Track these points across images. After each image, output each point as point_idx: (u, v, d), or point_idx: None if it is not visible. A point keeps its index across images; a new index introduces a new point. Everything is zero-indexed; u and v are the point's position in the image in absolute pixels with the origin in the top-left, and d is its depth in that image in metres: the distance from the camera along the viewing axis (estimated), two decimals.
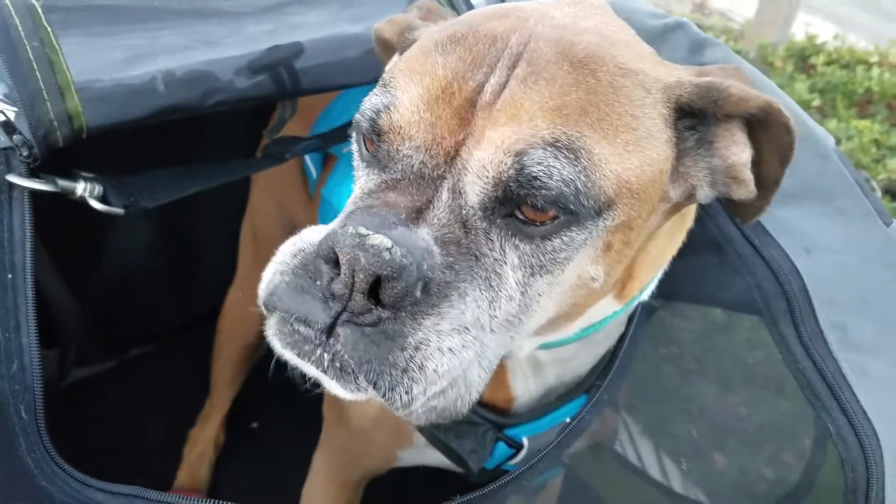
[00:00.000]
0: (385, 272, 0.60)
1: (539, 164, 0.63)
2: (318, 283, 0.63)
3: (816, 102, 3.31)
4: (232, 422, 1.88)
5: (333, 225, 0.68)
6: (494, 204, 0.67)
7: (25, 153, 0.83)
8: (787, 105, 0.94)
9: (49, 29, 0.85)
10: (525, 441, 1.04)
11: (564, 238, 0.68)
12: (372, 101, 0.72)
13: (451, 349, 0.64)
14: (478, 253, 0.67)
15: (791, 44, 3.85)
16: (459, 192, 0.67)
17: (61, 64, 0.84)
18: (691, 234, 0.96)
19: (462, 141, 0.67)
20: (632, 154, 0.68)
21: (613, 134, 0.67)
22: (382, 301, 0.62)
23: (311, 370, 0.67)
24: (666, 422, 1.34)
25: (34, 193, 0.85)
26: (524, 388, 1.02)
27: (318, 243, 0.63)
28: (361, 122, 0.72)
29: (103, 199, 0.93)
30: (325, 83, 1.01)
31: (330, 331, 0.63)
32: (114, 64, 0.87)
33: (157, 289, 1.86)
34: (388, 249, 0.60)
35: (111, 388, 1.88)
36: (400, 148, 0.69)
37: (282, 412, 1.88)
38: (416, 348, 0.63)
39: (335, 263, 0.62)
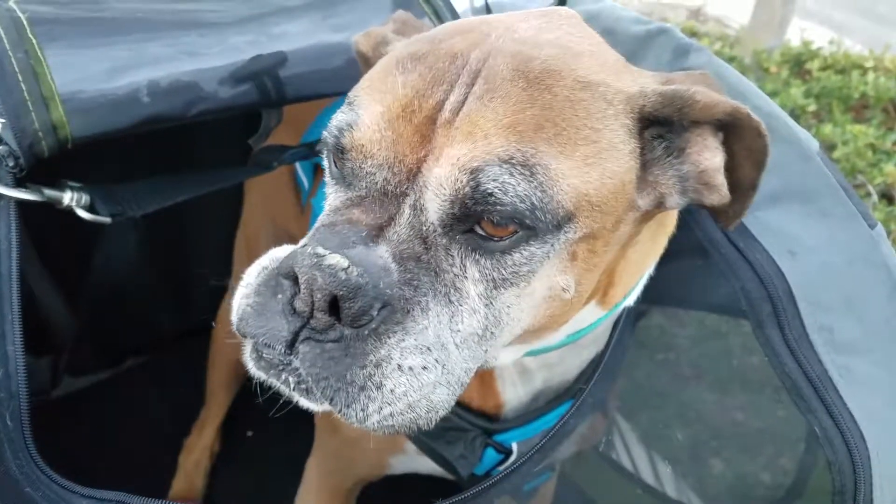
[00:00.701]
0: (341, 292, 0.61)
1: (494, 180, 0.64)
2: (279, 296, 0.65)
3: (812, 107, 3.32)
4: (227, 430, 1.88)
5: (298, 244, 0.69)
6: (453, 220, 0.67)
7: (11, 163, 0.83)
8: (765, 108, 0.95)
9: (34, 41, 0.86)
10: (514, 446, 1.04)
11: (524, 252, 0.68)
12: (338, 118, 0.73)
13: (411, 368, 0.65)
14: (437, 269, 0.67)
15: (786, 49, 3.87)
16: (420, 208, 0.68)
17: (46, 75, 0.85)
18: (678, 239, 0.96)
19: (423, 158, 0.68)
20: (591, 167, 0.68)
21: (572, 148, 0.67)
22: (342, 320, 0.63)
23: (282, 389, 0.68)
24: (663, 427, 1.35)
25: (24, 203, 0.85)
26: (513, 394, 1.03)
27: (280, 262, 0.65)
28: (328, 140, 0.73)
29: (91, 208, 0.94)
30: (309, 91, 1.01)
31: (292, 347, 0.64)
32: (98, 75, 0.88)
33: (150, 298, 1.87)
34: (345, 270, 0.62)
35: (107, 399, 1.89)
36: (363, 166, 0.70)
37: (277, 420, 1.88)
38: (377, 365, 0.64)
39: (295, 280, 0.63)
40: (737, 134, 0.73)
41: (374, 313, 0.63)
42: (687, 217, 0.99)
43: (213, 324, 1.51)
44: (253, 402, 1.89)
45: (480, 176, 0.64)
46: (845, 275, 0.94)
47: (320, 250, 0.63)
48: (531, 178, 0.65)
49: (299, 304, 0.63)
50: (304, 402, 0.68)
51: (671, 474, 1.32)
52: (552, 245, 0.69)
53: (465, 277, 0.68)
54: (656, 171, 0.75)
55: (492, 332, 0.72)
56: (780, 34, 4.07)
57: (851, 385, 0.91)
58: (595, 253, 0.74)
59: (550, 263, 0.70)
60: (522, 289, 0.71)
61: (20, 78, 0.84)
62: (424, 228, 0.68)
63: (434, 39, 0.74)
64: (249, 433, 1.96)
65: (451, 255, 0.68)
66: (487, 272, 0.69)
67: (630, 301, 0.94)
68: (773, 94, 3.20)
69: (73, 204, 0.92)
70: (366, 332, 0.63)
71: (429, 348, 0.66)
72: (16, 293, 0.84)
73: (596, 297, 0.86)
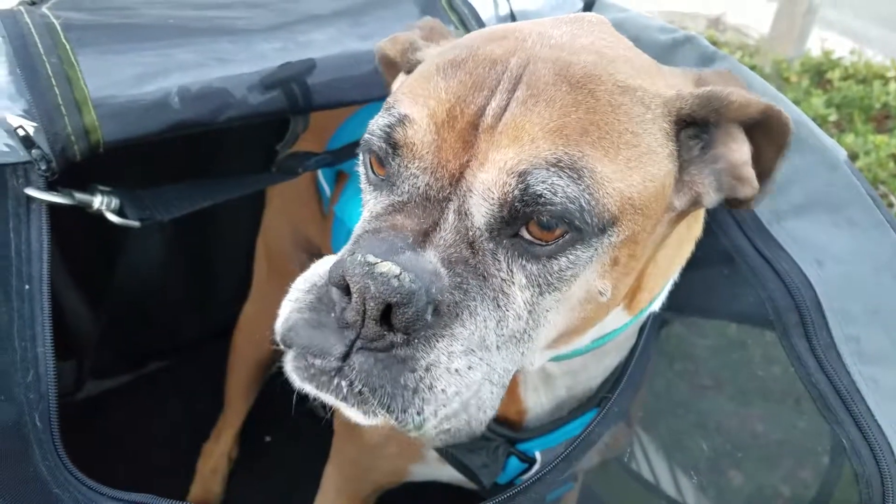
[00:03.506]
0: (395, 299, 0.61)
1: (543, 182, 0.65)
2: (332, 314, 0.65)
3: (833, 117, 3.30)
4: (245, 436, 1.88)
5: (343, 252, 0.69)
6: (500, 224, 0.68)
7: (44, 167, 0.84)
8: (792, 116, 0.95)
9: (67, 46, 0.87)
10: (538, 455, 1.03)
11: (570, 256, 0.69)
12: (381, 120, 0.73)
13: (458, 370, 0.65)
14: (485, 273, 0.68)
15: (806, 59, 3.85)
16: (465, 213, 0.68)
17: (79, 80, 0.86)
18: (703, 247, 0.96)
19: (466, 163, 0.68)
20: (633, 171, 0.69)
21: (615, 152, 0.68)
22: (395, 326, 0.63)
23: (330, 399, 0.68)
24: (682, 438, 1.34)
25: (52, 206, 0.87)
26: (535, 401, 1.02)
27: (329, 272, 0.65)
28: (372, 141, 0.73)
29: (120, 212, 0.95)
30: (336, 99, 1.02)
31: (345, 359, 0.64)
32: (129, 80, 0.89)
33: (172, 303, 1.88)
34: (397, 276, 0.62)
35: (127, 403, 1.90)
36: (409, 166, 0.70)
37: (295, 426, 1.89)
38: (427, 369, 0.64)
39: (346, 290, 0.63)
40: (764, 129, 0.74)
41: (428, 317, 0.63)
42: (712, 225, 0.98)
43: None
44: (271, 408, 1.91)
45: (529, 178, 0.65)
46: (872, 284, 0.93)
47: (371, 258, 0.63)
48: (579, 181, 0.65)
49: (350, 315, 0.63)
50: (355, 415, 0.67)
51: (692, 486, 1.31)
52: (596, 249, 0.69)
53: (513, 283, 0.69)
54: (693, 170, 0.76)
55: (529, 336, 0.72)
56: (801, 44, 4.05)
57: (879, 396, 0.90)
58: (634, 257, 0.74)
59: (592, 268, 0.71)
60: (563, 293, 0.71)
61: (54, 82, 0.85)
62: (471, 234, 0.68)
63: (472, 46, 0.74)
64: (267, 439, 1.96)
65: (498, 260, 0.68)
66: (534, 278, 0.69)
67: (655, 307, 0.93)
68: (793, 104, 3.18)
69: (104, 208, 0.93)
70: (415, 338, 0.63)
71: (473, 350, 0.66)
72: (46, 296, 0.85)
73: (624, 301, 0.86)
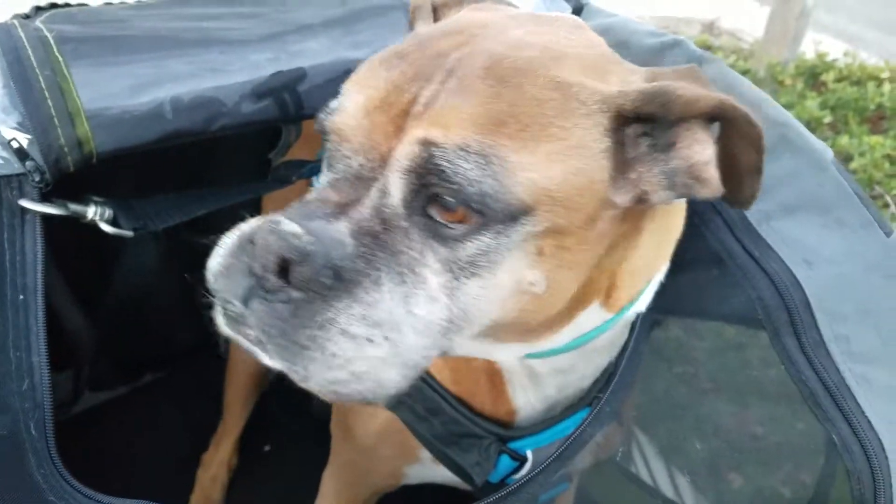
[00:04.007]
0: (291, 255, 0.66)
1: (448, 161, 0.68)
2: (242, 258, 0.69)
3: (828, 119, 3.31)
4: (244, 444, 1.89)
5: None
6: (411, 197, 0.71)
7: (37, 178, 0.85)
8: (779, 118, 0.96)
9: (61, 59, 0.88)
10: (529, 454, 1.04)
11: (478, 242, 0.70)
12: (330, 104, 0.78)
13: (355, 336, 0.68)
14: (394, 249, 0.71)
15: (801, 62, 3.87)
16: (386, 191, 0.72)
17: (72, 92, 0.87)
18: (693, 249, 0.96)
19: (395, 146, 0.72)
20: (555, 163, 0.70)
21: (535, 144, 0.70)
22: (292, 283, 0.67)
23: (242, 342, 0.72)
24: (681, 441, 1.34)
25: (46, 217, 0.88)
26: (525, 401, 1.03)
27: (247, 229, 0.70)
28: (319, 122, 0.79)
29: (113, 221, 0.96)
30: None
31: (246, 304, 0.68)
32: (122, 91, 0.90)
33: (168, 312, 1.88)
34: (296, 235, 0.67)
35: (125, 413, 1.90)
36: (340, 149, 0.75)
37: (294, 435, 1.89)
38: (321, 327, 0.67)
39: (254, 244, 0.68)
40: (730, 125, 0.74)
41: (325, 281, 0.67)
42: (701, 227, 0.99)
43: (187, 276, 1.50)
44: (270, 416, 1.91)
45: (435, 151, 0.68)
46: (862, 284, 0.94)
47: (278, 217, 0.68)
48: (485, 167, 0.67)
49: (255, 266, 0.67)
50: (263, 359, 0.71)
51: (690, 488, 1.31)
52: (509, 237, 0.71)
53: (425, 264, 0.71)
54: (640, 168, 0.76)
55: (458, 324, 0.74)
56: (795, 47, 4.07)
57: (869, 394, 0.91)
58: (567, 249, 0.75)
59: (514, 256, 0.72)
60: (487, 280, 0.73)
61: (47, 94, 0.86)
62: (387, 211, 0.71)
63: (423, 39, 0.79)
64: (267, 448, 1.96)
65: (410, 239, 0.71)
66: (446, 261, 0.71)
67: (640, 307, 0.94)
68: (788, 107, 3.20)
69: (97, 218, 0.94)
70: (314, 297, 0.67)
71: (378, 323, 0.69)
72: (41, 306, 0.86)
73: (598, 298, 0.87)
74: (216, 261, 0.72)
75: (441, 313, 0.72)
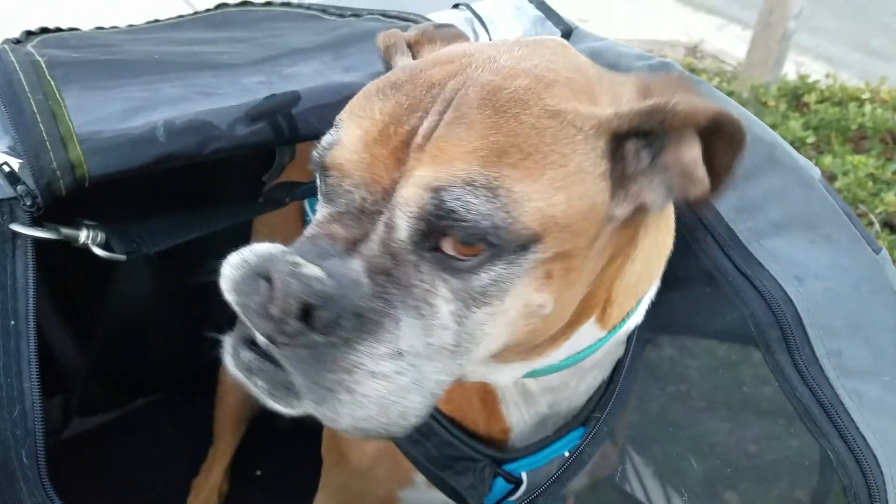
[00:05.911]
0: (314, 301, 0.64)
1: (457, 199, 0.67)
2: (254, 297, 0.66)
3: (811, 139, 3.35)
4: (236, 469, 1.87)
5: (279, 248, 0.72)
6: (421, 237, 0.70)
7: (29, 202, 0.85)
8: (766, 138, 0.98)
9: (52, 83, 0.88)
10: (524, 476, 1.03)
11: (491, 272, 0.70)
12: (325, 139, 0.77)
13: (385, 374, 0.67)
14: (408, 283, 0.70)
15: (783, 83, 3.92)
16: (392, 226, 0.71)
17: (64, 116, 0.87)
18: (685, 267, 0.97)
19: (398, 179, 0.71)
20: (559, 190, 0.71)
21: (538, 173, 0.70)
22: (314, 328, 0.65)
23: (254, 391, 0.71)
24: (676, 460, 1.34)
25: (38, 241, 0.87)
26: (518, 418, 1.03)
27: (257, 262, 0.68)
28: (315, 158, 0.78)
29: (106, 245, 0.95)
30: (321, 129, 1.02)
31: (266, 352, 0.67)
32: (115, 115, 0.90)
33: (161, 336, 1.87)
34: (319, 279, 0.65)
35: (115, 439, 1.88)
36: (342, 184, 0.74)
37: (285, 459, 1.87)
38: (347, 371, 0.66)
39: (269, 282, 0.65)
40: (718, 132, 0.74)
41: (345, 323, 0.66)
42: (693, 245, 1.00)
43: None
44: (261, 441, 1.89)
45: (444, 194, 0.67)
46: (852, 299, 0.95)
47: (298, 259, 0.66)
48: (494, 200, 0.67)
49: (274, 310, 0.65)
50: (276, 407, 0.70)
51: None
52: (520, 265, 0.71)
53: (436, 294, 0.71)
54: (642, 180, 0.77)
55: (466, 348, 0.74)
56: (777, 69, 4.13)
57: (862, 409, 0.91)
58: (572, 269, 0.75)
59: (523, 282, 0.72)
60: (496, 307, 0.73)
61: (39, 119, 0.86)
62: (395, 245, 0.71)
63: (415, 69, 0.78)
64: (258, 473, 1.94)
65: (421, 272, 0.71)
66: (457, 291, 0.71)
67: (632, 324, 0.94)
68: (772, 127, 3.22)
69: (90, 242, 0.93)
70: (336, 341, 0.65)
71: (401, 353, 0.68)
72: (32, 331, 0.85)
73: (594, 313, 0.87)
74: (231, 297, 0.69)
75: (450, 339, 0.72)
